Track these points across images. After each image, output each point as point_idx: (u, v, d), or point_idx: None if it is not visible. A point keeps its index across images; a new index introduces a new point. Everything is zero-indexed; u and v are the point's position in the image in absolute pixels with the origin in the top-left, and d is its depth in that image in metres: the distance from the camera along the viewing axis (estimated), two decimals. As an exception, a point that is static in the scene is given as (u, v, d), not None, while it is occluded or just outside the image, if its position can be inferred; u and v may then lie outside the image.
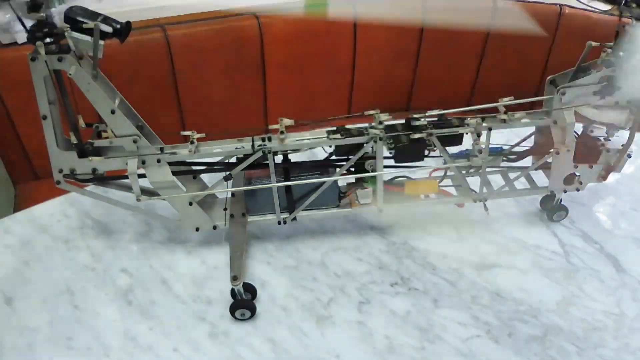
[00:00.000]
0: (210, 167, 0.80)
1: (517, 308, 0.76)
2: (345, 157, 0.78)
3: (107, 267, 0.84)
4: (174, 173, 0.76)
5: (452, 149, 0.79)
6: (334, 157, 0.79)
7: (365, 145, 0.75)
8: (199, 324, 0.74)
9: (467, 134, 0.77)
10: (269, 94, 1.49)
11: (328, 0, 0.57)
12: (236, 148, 0.75)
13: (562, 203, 0.88)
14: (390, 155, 0.76)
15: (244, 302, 0.74)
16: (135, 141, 0.72)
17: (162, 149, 0.74)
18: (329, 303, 0.77)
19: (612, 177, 0.85)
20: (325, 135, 0.76)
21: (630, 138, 0.80)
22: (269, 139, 0.75)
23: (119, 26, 0.66)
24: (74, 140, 0.72)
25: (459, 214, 0.91)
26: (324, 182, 0.77)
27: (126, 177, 0.74)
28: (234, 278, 0.73)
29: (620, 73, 0.69)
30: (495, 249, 0.86)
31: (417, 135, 0.74)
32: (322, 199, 0.79)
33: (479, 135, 0.76)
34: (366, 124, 0.76)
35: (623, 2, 0.69)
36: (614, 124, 0.80)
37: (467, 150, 0.81)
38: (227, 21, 1.38)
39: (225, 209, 0.82)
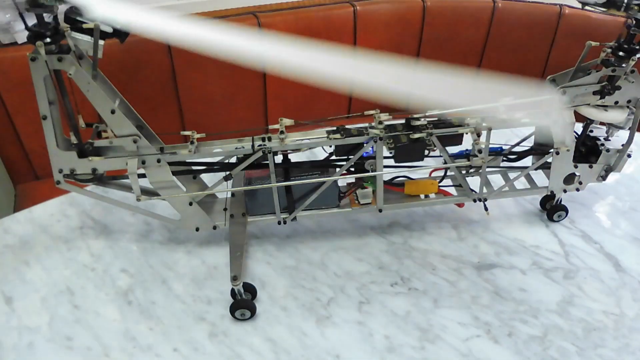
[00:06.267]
0: (210, 167, 0.80)
1: (517, 308, 0.76)
2: (345, 157, 0.78)
3: (107, 267, 0.84)
4: (174, 173, 0.76)
5: (452, 149, 0.79)
6: (334, 157, 0.79)
7: (365, 145, 0.75)
8: (199, 324, 0.74)
9: (467, 134, 0.77)
10: (269, 94, 1.49)
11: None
12: (236, 148, 0.75)
13: (562, 203, 0.88)
14: (390, 155, 0.76)
15: (244, 302, 0.74)
16: (135, 141, 0.72)
17: (162, 149, 0.74)
18: (329, 303, 0.77)
19: (612, 177, 0.85)
20: (325, 135, 0.76)
21: (630, 138, 0.80)
22: (269, 139, 0.75)
23: (119, 26, 0.66)
24: (74, 140, 0.72)
25: (459, 214, 0.91)
26: (324, 182, 0.77)
27: (126, 177, 0.74)
28: (234, 278, 0.73)
29: None
30: (495, 249, 0.86)
31: (417, 135, 0.74)
32: (322, 199, 0.79)
33: (479, 135, 0.76)
34: (366, 124, 0.76)
35: (624, 5, 0.69)
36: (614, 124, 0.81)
37: (467, 150, 0.81)
38: (227, 21, 1.38)
39: (225, 209, 0.82)
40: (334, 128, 0.76)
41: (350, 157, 0.76)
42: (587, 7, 0.79)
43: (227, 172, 0.76)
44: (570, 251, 0.85)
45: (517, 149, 0.86)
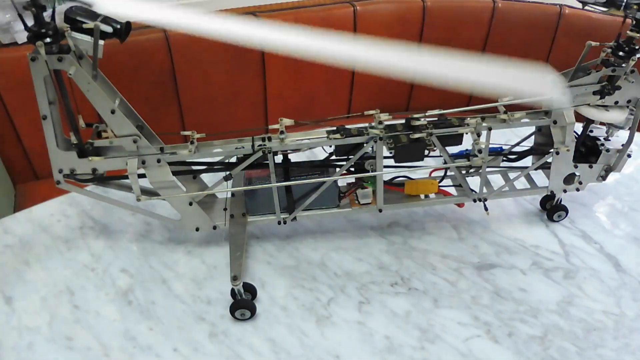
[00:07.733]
0: (210, 167, 0.80)
1: (517, 308, 0.76)
2: (345, 157, 0.78)
3: (107, 267, 0.84)
4: (174, 173, 0.76)
5: (452, 149, 0.79)
6: (334, 157, 0.79)
7: (365, 145, 0.75)
8: (199, 324, 0.74)
9: (467, 134, 0.77)
10: (269, 94, 1.49)
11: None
12: (236, 148, 0.75)
13: (562, 203, 0.88)
14: (390, 155, 0.76)
15: (244, 302, 0.74)
16: (135, 141, 0.72)
17: (162, 149, 0.74)
18: (329, 303, 0.77)
19: (612, 177, 0.85)
20: (325, 135, 0.76)
21: (630, 138, 0.80)
22: (269, 139, 0.75)
23: (119, 26, 0.66)
24: (74, 140, 0.72)
25: (459, 214, 0.91)
26: (324, 182, 0.77)
27: (126, 177, 0.74)
28: (234, 278, 0.73)
29: None
30: (495, 249, 0.86)
31: (417, 135, 0.74)
32: (322, 199, 0.79)
33: (479, 135, 0.76)
34: (366, 124, 0.76)
35: (624, 4, 0.69)
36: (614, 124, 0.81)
37: (467, 150, 0.81)
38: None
39: (225, 209, 0.82)
40: (334, 128, 0.76)
41: (350, 157, 0.76)
42: (587, 7, 0.79)
43: (227, 172, 0.76)
44: (570, 251, 0.85)
45: (517, 149, 0.86)
